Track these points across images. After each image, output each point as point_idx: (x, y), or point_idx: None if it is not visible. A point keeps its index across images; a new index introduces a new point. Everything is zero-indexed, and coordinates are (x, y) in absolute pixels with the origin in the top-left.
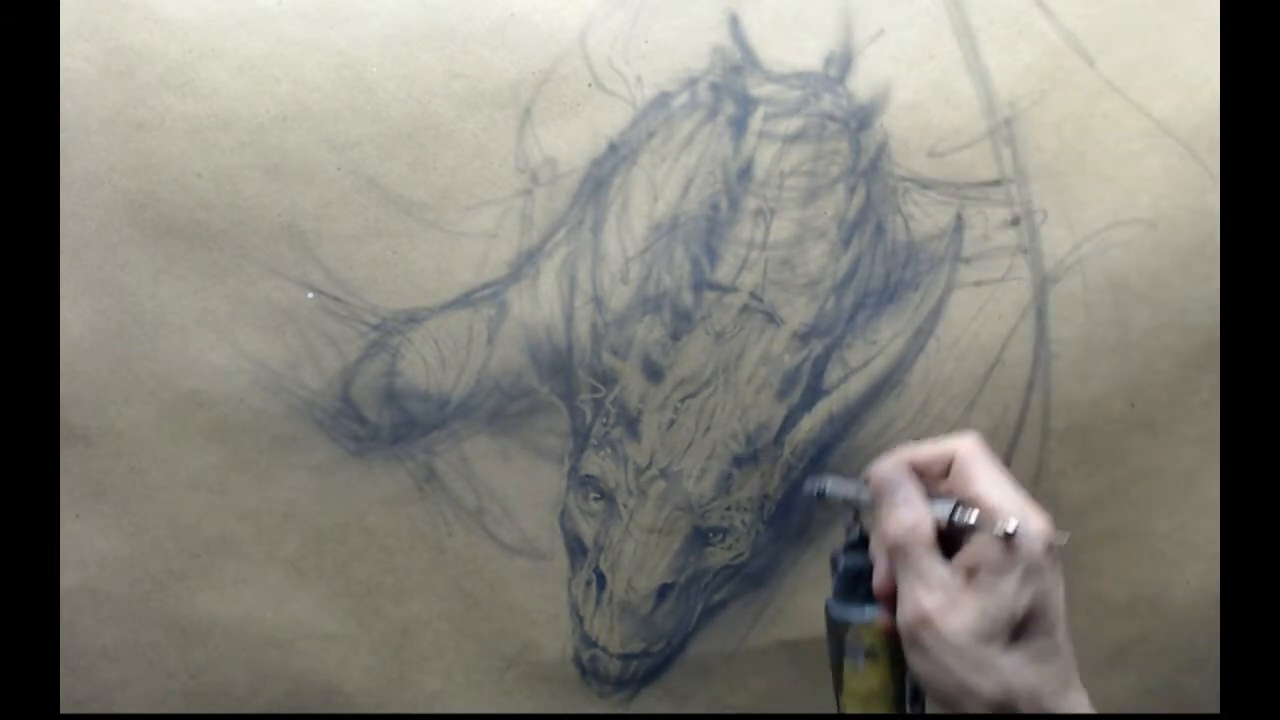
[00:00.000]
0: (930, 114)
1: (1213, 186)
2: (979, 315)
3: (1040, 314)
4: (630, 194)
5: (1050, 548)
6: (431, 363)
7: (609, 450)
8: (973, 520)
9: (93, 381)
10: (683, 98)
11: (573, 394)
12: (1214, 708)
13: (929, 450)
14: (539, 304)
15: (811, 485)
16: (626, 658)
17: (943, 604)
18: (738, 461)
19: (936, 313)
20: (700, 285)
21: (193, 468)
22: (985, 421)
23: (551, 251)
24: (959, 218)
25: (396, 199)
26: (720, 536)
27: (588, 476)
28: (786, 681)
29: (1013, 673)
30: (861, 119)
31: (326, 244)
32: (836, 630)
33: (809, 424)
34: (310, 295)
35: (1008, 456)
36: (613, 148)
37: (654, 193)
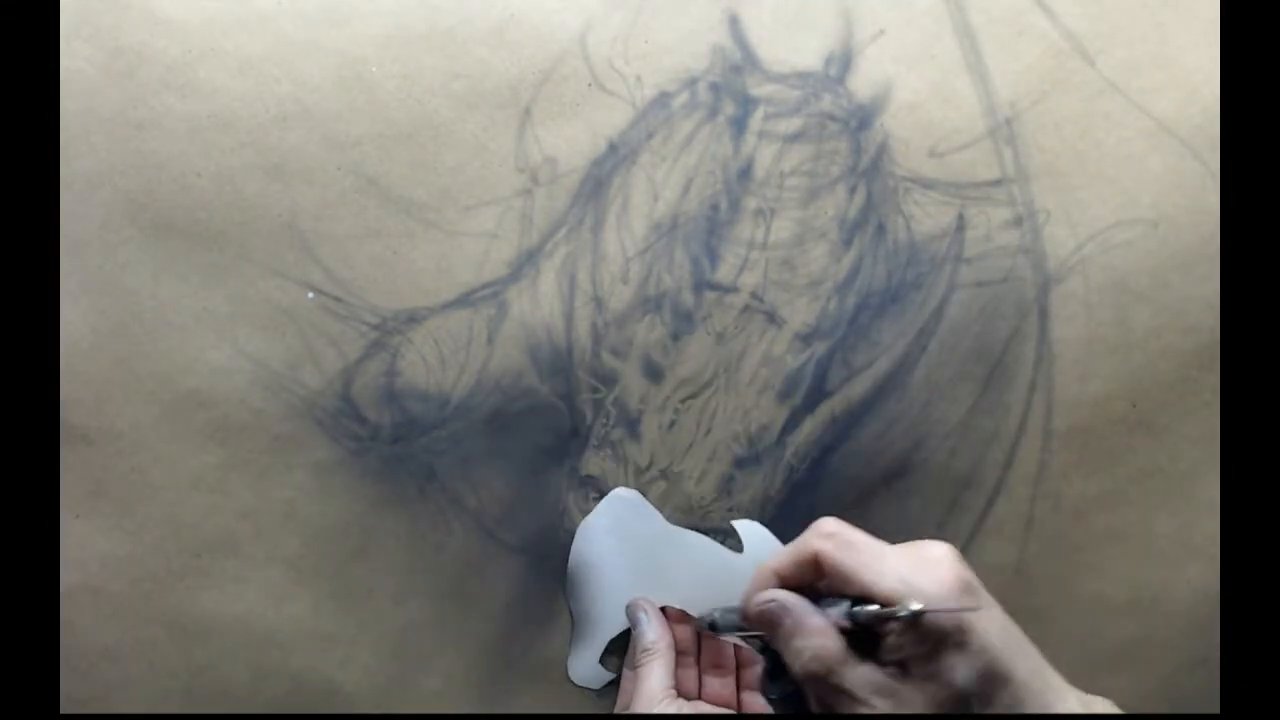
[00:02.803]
0: (931, 114)
1: (1214, 186)
2: (981, 316)
3: (1042, 314)
4: (630, 194)
5: (966, 590)
6: (431, 363)
7: (609, 451)
8: (873, 616)
9: (93, 381)
10: (683, 98)
11: (573, 394)
12: (1214, 708)
13: (789, 556)
14: (539, 304)
15: (699, 621)
16: None
17: (889, 708)
18: (739, 463)
19: (938, 313)
20: (701, 285)
21: (193, 468)
22: (986, 422)
23: (551, 251)
24: (961, 218)
25: (396, 199)
26: (721, 538)
27: (588, 477)
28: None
29: None
30: (862, 119)
31: (326, 244)
32: None
33: (811, 425)
34: (310, 295)
35: (1009, 458)
36: (613, 148)
37: (654, 193)
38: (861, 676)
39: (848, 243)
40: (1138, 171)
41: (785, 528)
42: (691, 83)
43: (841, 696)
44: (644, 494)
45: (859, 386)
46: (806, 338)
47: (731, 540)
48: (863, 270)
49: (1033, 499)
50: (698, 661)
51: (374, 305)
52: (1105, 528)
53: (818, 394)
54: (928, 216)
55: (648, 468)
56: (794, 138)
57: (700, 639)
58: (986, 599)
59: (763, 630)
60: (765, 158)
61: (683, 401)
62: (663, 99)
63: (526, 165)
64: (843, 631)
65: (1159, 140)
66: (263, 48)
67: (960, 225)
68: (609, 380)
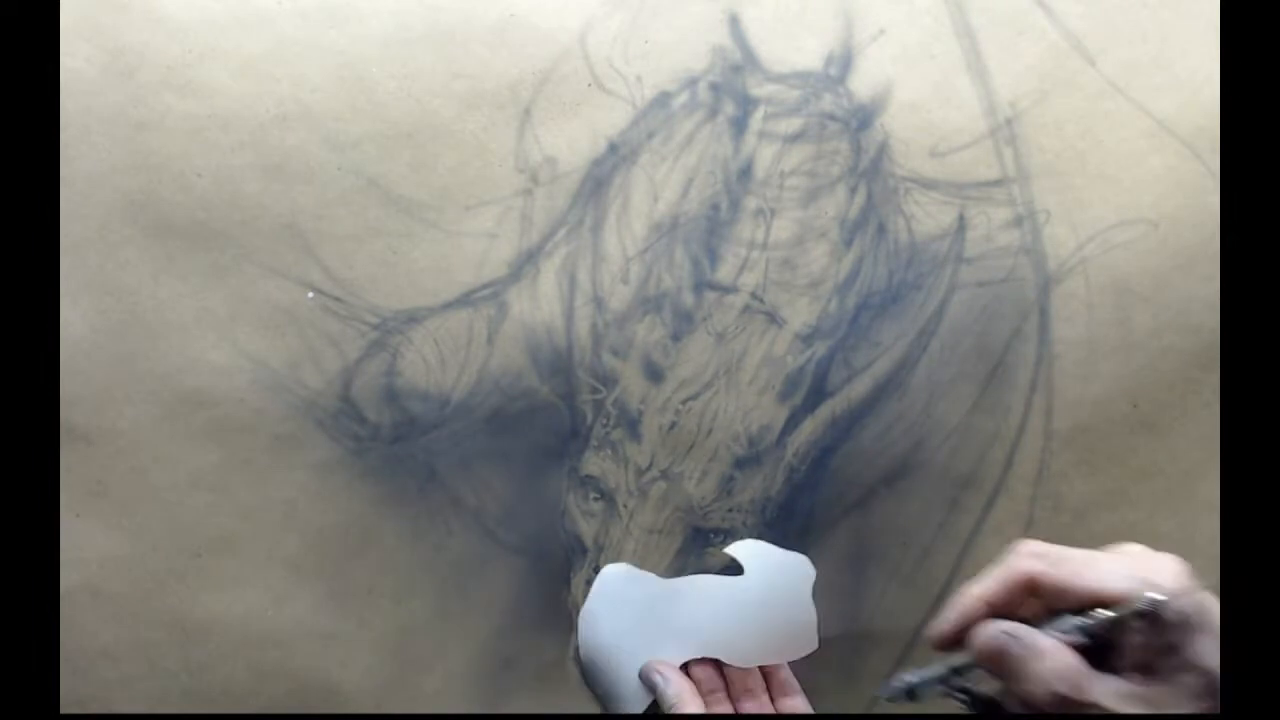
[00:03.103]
0: (931, 114)
1: (1214, 186)
2: (982, 316)
3: (1043, 315)
4: (630, 194)
5: (1189, 572)
6: (431, 362)
7: (609, 451)
8: (1110, 620)
9: (93, 381)
10: (683, 97)
11: (573, 394)
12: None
13: (993, 584)
14: (539, 304)
15: (892, 690)
16: None
17: (1143, 712)
18: (739, 463)
19: (939, 314)
20: (701, 285)
21: (193, 468)
22: (987, 423)
23: (551, 251)
24: (961, 218)
25: (396, 199)
26: (721, 538)
27: (588, 477)
28: None
29: None
30: (862, 119)
31: (326, 244)
32: None
33: (811, 426)
34: (310, 295)
35: (1010, 458)
36: (613, 148)
37: (654, 193)
38: (1109, 687)
39: (848, 243)
40: (1138, 171)
41: (786, 528)
42: (691, 82)
43: (1092, 713)
44: (644, 494)
45: (859, 387)
46: (807, 338)
47: (731, 567)
48: (863, 270)
49: (1033, 499)
50: (729, 694)
51: (374, 305)
52: (1106, 528)
53: (818, 394)
54: (928, 217)
55: (648, 468)
56: (794, 138)
57: (724, 672)
58: None
59: (990, 665)
60: (765, 158)
61: (683, 402)
62: (663, 99)
63: (526, 165)
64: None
65: (1159, 140)
66: (263, 48)
67: (961, 225)
68: (609, 380)
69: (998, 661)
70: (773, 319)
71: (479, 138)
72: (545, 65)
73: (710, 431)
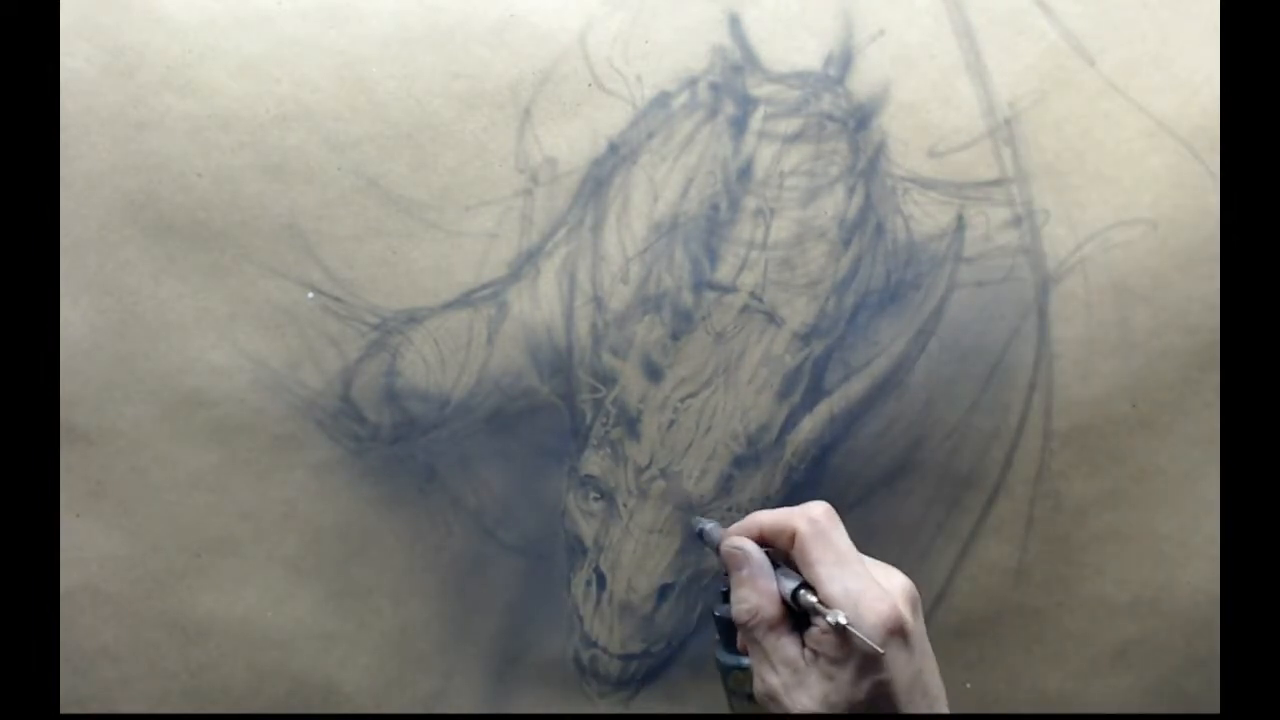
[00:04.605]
0: (930, 114)
1: (1214, 186)
2: (980, 316)
3: (1042, 314)
4: (630, 194)
5: (893, 632)
6: (431, 362)
7: (609, 450)
8: (807, 608)
9: (93, 381)
10: (683, 98)
11: (573, 394)
12: (1214, 708)
13: (775, 519)
14: (539, 304)
15: (695, 524)
16: (626, 658)
17: (788, 683)
18: (738, 462)
19: (938, 313)
20: (700, 285)
21: (193, 468)
22: (986, 422)
23: (551, 251)
24: (960, 218)
25: (396, 199)
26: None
27: (588, 476)
28: None
29: None
30: (861, 119)
31: (326, 244)
32: (720, 672)
33: (810, 424)
34: (310, 295)
35: (1009, 457)
36: (613, 148)
37: (654, 193)
38: (780, 645)
39: (847, 242)
40: (1138, 171)
41: None
42: (691, 82)
43: (757, 650)
44: (644, 493)
45: (857, 385)
46: (805, 337)
47: None
48: (861, 270)
49: (1033, 499)
50: None
51: (374, 305)
52: (1105, 528)
53: (816, 393)
54: (927, 216)
55: (647, 467)
56: (794, 138)
57: None
58: (918, 646)
59: (726, 566)
60: (765, 158)
61: (682, 401)
62: (663, 99)
63: (526, 165)
64: (784, 601)
65: (1159, 140)
66: (263, 48)
67: (959, 225)
68: (609, 380)
69: (727, 562)
70: (771, 318)
71: (479, 138)
72: (545, 65)
73: (709, 429)
